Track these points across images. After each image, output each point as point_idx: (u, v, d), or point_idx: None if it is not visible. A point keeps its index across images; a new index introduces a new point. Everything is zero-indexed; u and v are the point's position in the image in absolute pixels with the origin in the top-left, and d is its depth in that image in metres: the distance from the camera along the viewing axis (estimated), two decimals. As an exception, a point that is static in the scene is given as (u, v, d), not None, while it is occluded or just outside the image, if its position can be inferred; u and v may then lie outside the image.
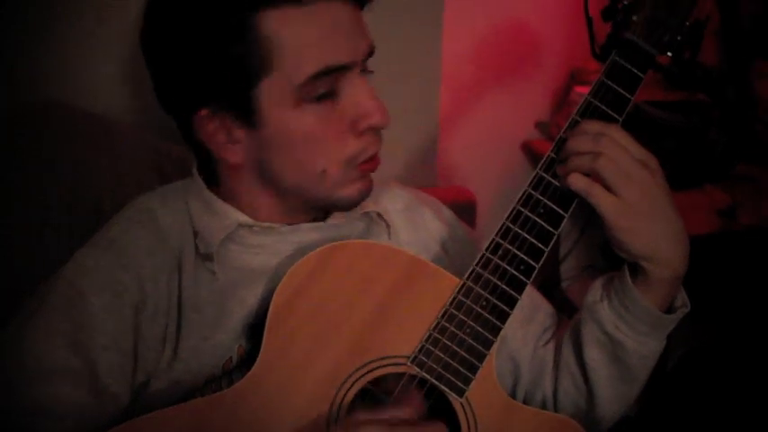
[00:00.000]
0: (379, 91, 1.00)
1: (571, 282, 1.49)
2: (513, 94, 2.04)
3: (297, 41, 0.94)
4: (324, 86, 0.97)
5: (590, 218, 1.47)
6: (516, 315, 1.13)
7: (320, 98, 0.97)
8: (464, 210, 1.34)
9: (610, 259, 1.09)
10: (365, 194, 1.06)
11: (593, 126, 1.00)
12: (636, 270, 1.03)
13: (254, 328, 1.03)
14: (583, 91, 1.81)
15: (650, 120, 1.78)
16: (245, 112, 0.98)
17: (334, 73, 0.97)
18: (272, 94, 0.96)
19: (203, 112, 0.99)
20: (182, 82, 1.00)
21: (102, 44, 1.48)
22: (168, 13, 0.98)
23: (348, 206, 1.07)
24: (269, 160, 1.01)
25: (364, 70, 1.02)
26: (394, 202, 1.21)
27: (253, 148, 1.01)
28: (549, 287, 1.28)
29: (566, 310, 1.21)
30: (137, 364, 1.01)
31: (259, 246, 1.08)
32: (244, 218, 1.06)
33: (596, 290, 1.09)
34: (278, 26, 0.94)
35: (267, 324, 0.97)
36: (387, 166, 1.71)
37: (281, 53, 0.94)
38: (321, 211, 1.10)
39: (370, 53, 1.02)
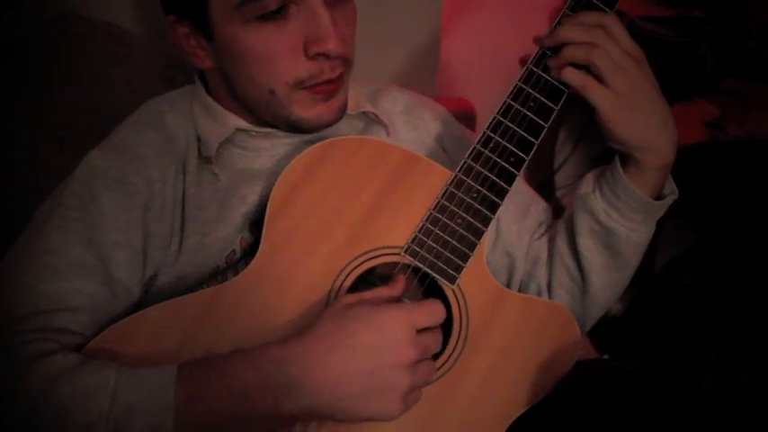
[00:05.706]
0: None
1: (566, 191, 1.52)
2: (513, 6, 1.99)
3: None
4: (269, 6, 0.96)
5: (585, 130, 1.49)
6: (511, 210, 1.18)
7: (264, 17, 0.97)
8: (464, 120, 1.35)
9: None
10: (328, 121, 1.05)
11: (589, 17, 1.01)
12: (626, 161, 1.05)
13: (256, 224, 1.05)
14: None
15: (643, 34, 1.76)
16: (202, 23, 1.00)
17: None
18: (219, 8, 0.97)
19: (171, 17, 1.04)
20: None
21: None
22: None
23: (309, 129, 1.06)
24: (225, 70, 1.04)
25: None
26: (393, 104, 1.22)
27: (214, 56, 1.04)
28: (545, 196, 1.30)
29: (560, 217, 1.22)
30: (146, 259, 1.04)
31: (258, 149, 1.10)
32: (241, 123, 1.08)
33: (588, 182, 1.11)
34: None
35: (267, 217, 0.99)
36: (388, 76, 1.70)
37: None
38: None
39: None
